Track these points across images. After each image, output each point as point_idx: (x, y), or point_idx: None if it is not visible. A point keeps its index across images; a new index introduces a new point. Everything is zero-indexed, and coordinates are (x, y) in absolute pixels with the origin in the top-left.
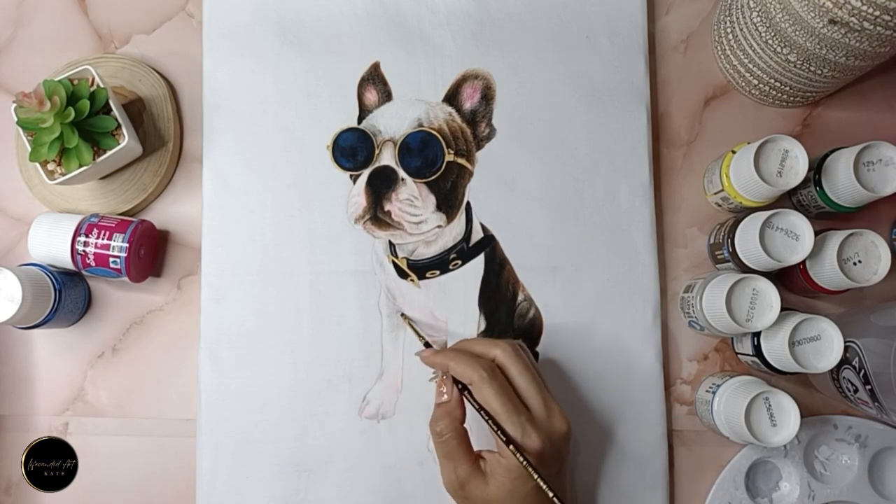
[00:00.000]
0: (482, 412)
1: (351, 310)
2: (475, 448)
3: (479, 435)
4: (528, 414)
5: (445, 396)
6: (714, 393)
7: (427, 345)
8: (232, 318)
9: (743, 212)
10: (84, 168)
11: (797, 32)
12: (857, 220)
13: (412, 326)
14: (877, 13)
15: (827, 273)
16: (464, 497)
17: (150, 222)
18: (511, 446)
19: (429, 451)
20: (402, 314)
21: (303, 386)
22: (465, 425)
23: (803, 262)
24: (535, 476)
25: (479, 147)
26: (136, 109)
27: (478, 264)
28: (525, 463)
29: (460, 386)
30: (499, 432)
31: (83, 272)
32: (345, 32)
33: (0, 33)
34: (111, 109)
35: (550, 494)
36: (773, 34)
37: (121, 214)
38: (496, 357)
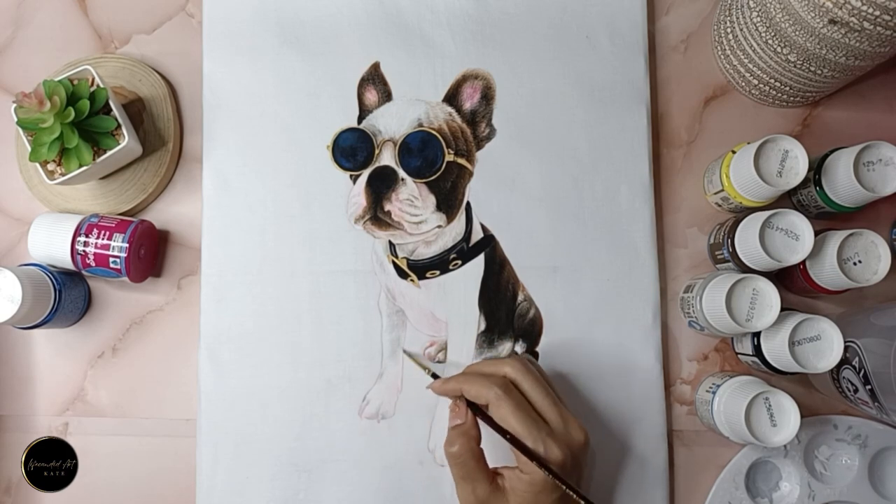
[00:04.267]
0: (500, 431)
1: (351, 310)
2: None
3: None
4: (548, 428)
5: (459, 420)
6: (714, 393)
7: (434, 375)
8: (232, 318)
9: (743, 212)
10: (84, 168)
11: (797, 32)
12: (857, 220)
13: (415, 359)
14: (877, 13)
15: (827, 273)
16: None
17: (150, 222)
18: (536, 462)
19: (429, 451)
20: (404, 350)
21: (303, 386)
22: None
23: (803, 262)
24: (565, 487)
25: (479, 147)
26: (136, 109)
27: (478, 264)
28: (551, 476)
29: (474, 408)
30: (520, 449)
31: (83, 272)
32: (345, 32)
33: (0, 33)
34: (111, 109)
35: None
36: (773, 34)
37: (121, 214)
38: (507, 374)
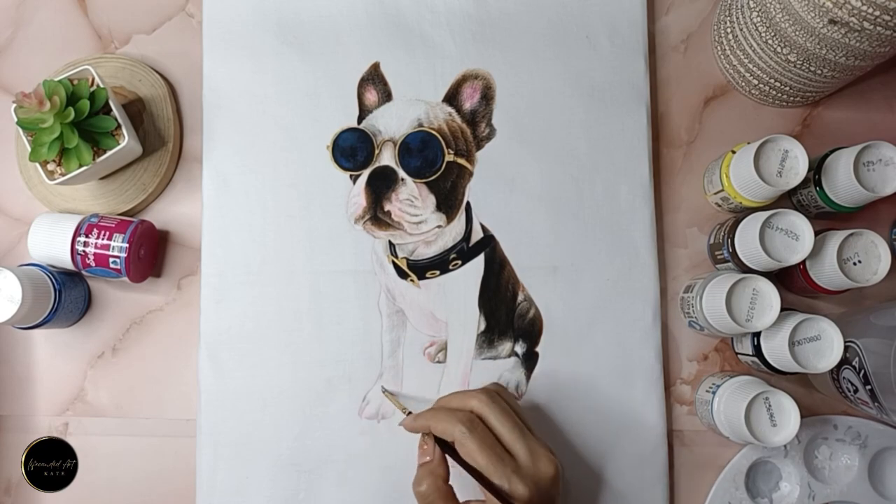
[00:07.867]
0: (467, 468)
1: (351, 310)
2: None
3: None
4: (514, 463)
5: (427, 457)
6: (714, 393)
7: (410, 414)
8: (232, 318)
9: (743, 212)
10: (84, 168)
11: (797, 32)
12: (857, 220)
13: (391, 398)
14: (877, 13)
15: (827, 273)
16: None
17: (150, 222)
18: (501, 500)
19: None
20: (383, 388)
21: (303, 386)
22: (451, 480)
23: (803, 262)
24: None
25: (478, 147)
26: (136, 109)
27: (478, 264)
28: None
29: (442, 444)
30: (486, 487)
31: (83, 272)
32: (345, 32)
33: (0, 33)
34: (111, 109)
35: None
36: (773, 34)
37: (121, 214)
38: (473, 408)
